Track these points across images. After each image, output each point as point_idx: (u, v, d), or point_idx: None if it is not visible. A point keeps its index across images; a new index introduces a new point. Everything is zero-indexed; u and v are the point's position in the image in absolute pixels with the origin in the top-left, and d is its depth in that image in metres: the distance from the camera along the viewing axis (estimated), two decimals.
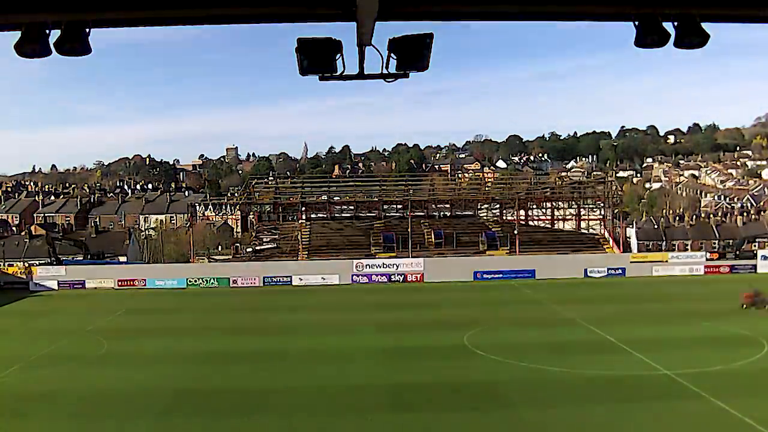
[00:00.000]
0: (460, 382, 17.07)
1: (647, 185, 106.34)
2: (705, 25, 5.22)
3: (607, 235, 51.35)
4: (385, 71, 5.39)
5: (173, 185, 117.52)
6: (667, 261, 44.78)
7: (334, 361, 19.93)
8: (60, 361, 20.50)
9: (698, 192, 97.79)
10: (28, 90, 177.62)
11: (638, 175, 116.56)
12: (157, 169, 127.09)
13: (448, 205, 55.04)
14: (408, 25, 5.21)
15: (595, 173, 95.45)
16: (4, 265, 45.63)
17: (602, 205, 53.38)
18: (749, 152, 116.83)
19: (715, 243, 61.48)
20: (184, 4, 5.01)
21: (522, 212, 53.63)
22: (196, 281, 42.80)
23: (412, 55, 5.33)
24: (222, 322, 28.76)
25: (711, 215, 74.70)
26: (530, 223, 54.40)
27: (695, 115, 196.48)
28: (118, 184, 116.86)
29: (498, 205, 54.77)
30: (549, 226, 53.97)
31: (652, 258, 45.99)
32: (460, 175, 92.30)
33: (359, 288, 41.41)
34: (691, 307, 28.93)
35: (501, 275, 42.74)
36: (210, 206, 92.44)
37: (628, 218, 68.09)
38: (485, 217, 53.93)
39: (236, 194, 63.66)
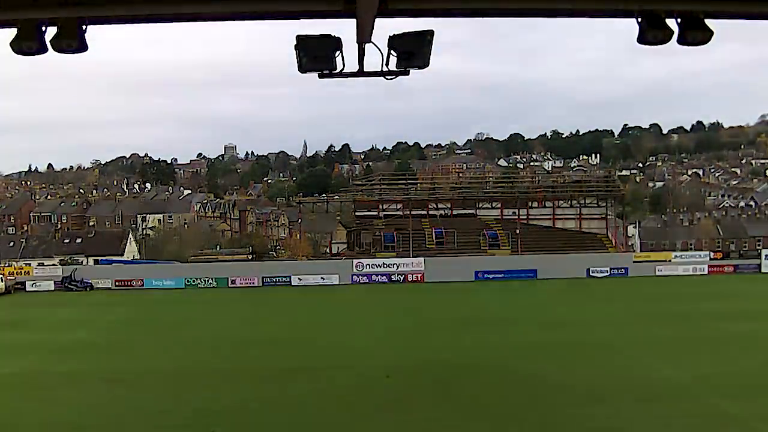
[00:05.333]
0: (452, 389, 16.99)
1: (650, 184, 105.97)
2: (708, 22, 5.17)
3: (609, 234, 51.24)
4: (385, 68, 5.35)
5: (171, 184, 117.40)
6: (670, 260, 44.56)
7: None
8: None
9: (702, 191, 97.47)
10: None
11: (641, 173, 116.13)
12: (155, 168, 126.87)
13: (448, 205, 54.94)
14: (408, 22, 5.17)
15: (596, 172, 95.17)
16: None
17: (604, 204, 53.25)
18: (753, 150, 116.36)
19: (718, 242, 61.26)
20: (182, 0, 4.98)
21: (523, 211, 53.53)
22: (194, 281, 42.79)
23: (412, 52, 5.28)
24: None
25: (714, 214, 74.50)
26: (532, 222, 54.28)
27: (699, 113, 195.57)
28: (115, 184, 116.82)
29: (499, 204, 54.65)
30: (551, 225, 53.84)
31: (655, 257, 45.79)
32: (460, 174, 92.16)
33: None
34: (694, 307, 28.80)
35: (502, 275, 42.63)
36: (209, 205, 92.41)
37: (631, 217, 67.91)
38: (486, 217, 53.80)
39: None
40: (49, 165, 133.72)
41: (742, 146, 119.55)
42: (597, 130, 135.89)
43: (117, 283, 42.67)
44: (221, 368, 19.15)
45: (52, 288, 42.01)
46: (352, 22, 4.96)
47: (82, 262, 51.29)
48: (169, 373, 18.66)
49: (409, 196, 56.42)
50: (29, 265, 46.24)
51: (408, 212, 52.19)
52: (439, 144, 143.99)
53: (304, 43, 5.21)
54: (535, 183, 65.47)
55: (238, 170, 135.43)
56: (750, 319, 24.62)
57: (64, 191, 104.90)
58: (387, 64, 5.32)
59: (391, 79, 5.46)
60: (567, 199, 54.39)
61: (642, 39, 5.15)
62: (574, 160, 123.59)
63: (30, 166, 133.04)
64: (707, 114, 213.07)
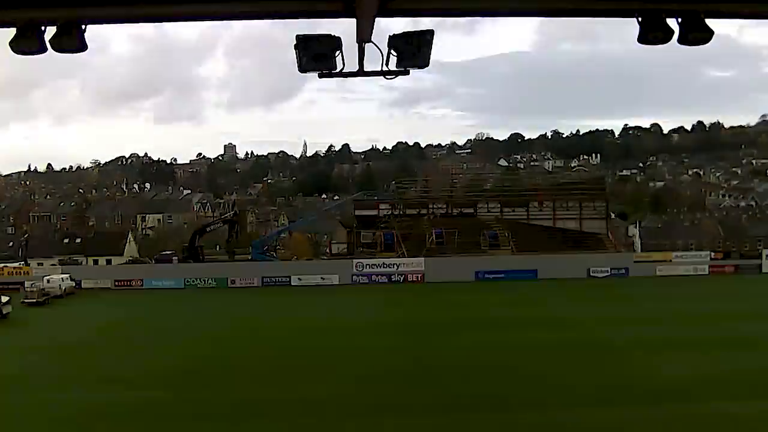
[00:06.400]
0: (456, 385, 16.99)
1: (651, 184, 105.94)
2: (709, 21, 5.16)
3: (609, 234, 51.15)
4: (385, 68, 5.35)
5: (171, 184, 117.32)
6: (671, 260, 44.43)
7: None
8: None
9: (702, 190, 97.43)
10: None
11: (642, 173, 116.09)
12: (155, 168, 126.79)
13: (449, 205, 54.87)
14: (408, 22, 5.17)
15: (594, 172, 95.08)
16: None
17: (604, 204, 53.16)
18: (754, 150, 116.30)
19: (719, 242, 61.19)
20: (182, 0, 4.97)
21: (523, 211, 53.46)
22: (194, 281, 42.70)
23: (412, 52, 5.28)
24: None
25: (715, 214, 74.50)
26: (532, 222, 54.18)
27: (699, 113, 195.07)
28: (114, 183, 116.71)
29: (499, 204, 54.55)
30: (551, 225, 53.76)
31: (655, 257, 45.69)
32: (461, 174, 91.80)
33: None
34: (695, 307, 28.78)
35: (503, 275, 42.57)
36: (209, 205, 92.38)
37: (632, 217, 67.94)
38: (486, 216, 53.71)
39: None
40: (49, 165, 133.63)
41: (743, 146, 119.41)
42: (597, 130, 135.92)
43: (117, 283, 42.60)
44: (221, 369, 19.16)
45: None
46: (352, 21, 4.96)
47: (81, 262, 51.18)
48: (169, 374, 18.68)
49: (408, 195, 56.36)
50: (28, 265, 46.10)
51: (406, 212, 52.19)
52: (439, 144, 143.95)
53: (304, 43, 5.21)
54: (535, 183, 65.32)
55: (238, 170, 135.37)
56: (750, 319, 24.60)
57: (64, 191, 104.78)
58: (387, 64, 5.32)
59: (391, 78, 5.45)
60: (566, 199, 54.22)
61: (642, 39, 5.14)
62: (575, 160, 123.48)
63: (29, 166, 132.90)
64: (708, 114, 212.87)
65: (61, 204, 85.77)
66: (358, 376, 17.87)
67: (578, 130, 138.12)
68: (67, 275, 39.46)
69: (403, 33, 5.19)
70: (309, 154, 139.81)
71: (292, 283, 42.41)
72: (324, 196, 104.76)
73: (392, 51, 5.25)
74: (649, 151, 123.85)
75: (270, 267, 45.68)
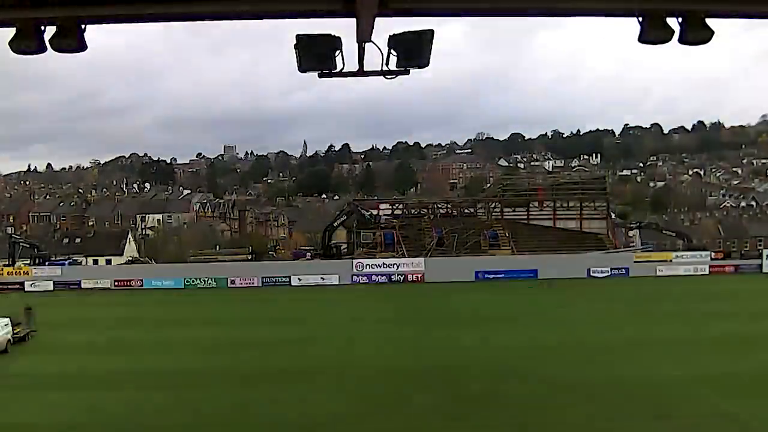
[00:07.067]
0: (452, 383, 16.99)
1: (651, 184, 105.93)
2: (709, 21, 5.15)
3: (609, 234, 51.17)
4: (385, 68, 5.34)
5: (171, 184, 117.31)
6: (671, 261, 44.46)
7: None
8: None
9: (703, 190, 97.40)
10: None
11: (642, 173, 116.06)
12: (155, 168, 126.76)
13: (448, 205, 54.89)
14: (408, 22, 5.15)
15: (594, 172, 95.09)
16: None
17: (604, 204, 53.18)
18: (754, 150, 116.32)
19: (719, 242, 61.18)
20: (182, 0, 4.97)
21: (523, 211, 53.47)
22: (193, 281, 42.71)
23: (412, 52, 5.28)
24: None
25: (716, 214, 74.49)
26: (532, 222, 54.18)
27: (700, 113, 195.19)
28: (114, 183, 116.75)
29: (499, 204, 54.59)
30: (551, 225, 53.75)
31: (656, 257, 45.69)
32: (461, 174, 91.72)
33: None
34: (695, 307, 28.79)
35: (503, 275, 42.60)
36: (208, 205, 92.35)
37: (632, 217, 67.87)
38: (486, 216, 53.74)
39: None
40: (48, 165, 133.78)
41: (744, 146, 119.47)
42: (597, 129, 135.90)
43: (116, 283, 42.60)
44: (221, 369, 19.16)
45: (51, 288, 42.00)
46: (352, 21, 4.96)
47: (81, 261, 51.09)
48: (169, 374, 18.68)
49: (409, 195, 56.35)
50: (28, 265, 46.10)
51: (408, 212, 52.23)
52: (440, 144, 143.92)
53: (303, 43, 5.21)
54: (536, 183, 65.30)
55: (238, 170, 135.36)
56: (750, 320, 24.62)
57: (63, 191, 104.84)
58: (387, 64, 5.31)
59: (392, 78, 5.45)
60: (567, 199, 54.26)
61: (643, 38, 5.14)
62: (575, 160, 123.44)
63: (29, 166, 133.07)
64: (708, 114, 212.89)
65: (61, 204, 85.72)
66: (358, 377, 17.87)
67: (578, 130, 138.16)
68: (7, 320, 23.13)
69: (403, 33, 5.18)
70: (309, 154, 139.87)
71: (292, 283, 42.44)
72: (324, 196, 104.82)
73: (392, 51, 5.25)
74: (649, 151, 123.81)
75: (270, 267, 45.71)
